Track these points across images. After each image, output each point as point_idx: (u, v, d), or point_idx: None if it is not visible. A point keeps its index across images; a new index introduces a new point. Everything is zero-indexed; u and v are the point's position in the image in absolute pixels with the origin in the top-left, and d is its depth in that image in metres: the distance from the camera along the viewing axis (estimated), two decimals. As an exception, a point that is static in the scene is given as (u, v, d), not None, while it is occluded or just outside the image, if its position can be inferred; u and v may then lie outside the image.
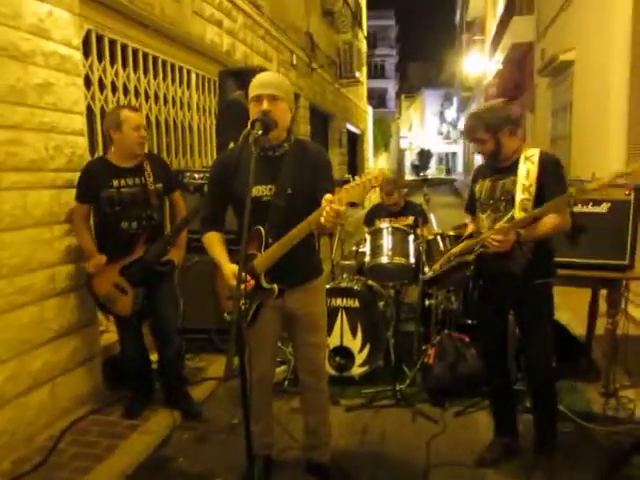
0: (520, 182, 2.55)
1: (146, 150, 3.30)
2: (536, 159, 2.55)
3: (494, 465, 2.86)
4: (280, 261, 2.34)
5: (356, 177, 2.08)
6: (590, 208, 3.39)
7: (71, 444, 3.05)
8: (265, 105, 2.31)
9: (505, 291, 2.69)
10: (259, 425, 2.68)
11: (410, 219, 4.46)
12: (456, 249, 2.93)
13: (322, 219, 2.06)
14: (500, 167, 2.69)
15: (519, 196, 2.54)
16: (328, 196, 2.06)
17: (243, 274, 2.01)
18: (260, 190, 2.39)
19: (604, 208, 3.39)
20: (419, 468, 2.86)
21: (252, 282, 2.36)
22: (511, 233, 2.49)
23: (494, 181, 2.69)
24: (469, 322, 4.14)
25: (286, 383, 3.80)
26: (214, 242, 2.51)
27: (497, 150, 2.62)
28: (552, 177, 2.53)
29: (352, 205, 2.22)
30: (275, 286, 2.41)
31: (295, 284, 2.50)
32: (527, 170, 2.55)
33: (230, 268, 2.36)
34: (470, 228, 3.01)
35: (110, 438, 3.10)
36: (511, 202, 2.59)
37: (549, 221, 2.50)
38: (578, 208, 3.31)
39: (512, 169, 2.61)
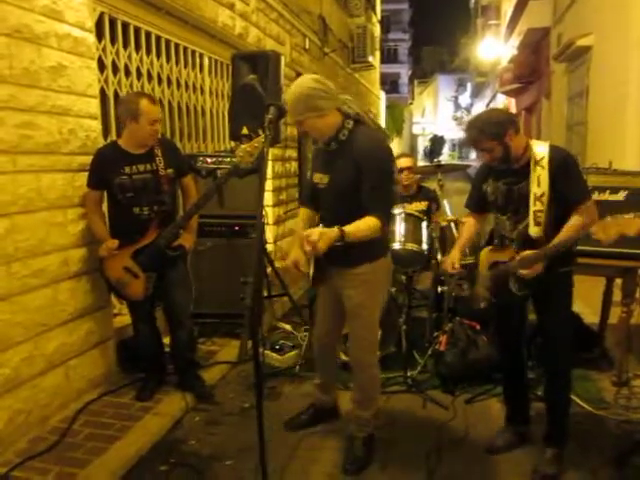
0: (532, 191, 2.48)
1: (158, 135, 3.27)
2: (546, 162, 2.47)
3: (505, 452, 2.86)
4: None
5: None
6: (607, 196, 3.37)
7: (85, 425, 3.09)
8: (298, 130, 2.62)
9: (527, 281, 2.60)
10: (319, 379, 3.07)
11: (423, 204, 4.40)
12: (485, 269, 2.80)
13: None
14: (513, 169, 2.60)
15: (532, 208, 2.48)
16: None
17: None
18: (318, 177, 2.69)
19: (621, 196, 3.37)
20: (429, 454, 2.86)
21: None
22: (538, 263, 2.45)
23: (509, 185, 2.61)
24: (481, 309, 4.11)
25: (297, 368, 3.82)
26: (300, 216, 2.90)
27: (507, 154, 2.53)
28: (567, 182, 2.46)
29: None
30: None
31: (338, 265, 2.65)
32: (538, 177, 2.48)
33: (301, 234, 2.53)
34: (467, 227, 2.94)
35: (123, 420, 3.14)
36: None
37: (575, 224, 2.43)
38: (595, 196, 3.27)
39: (525, 172, 2.53)
